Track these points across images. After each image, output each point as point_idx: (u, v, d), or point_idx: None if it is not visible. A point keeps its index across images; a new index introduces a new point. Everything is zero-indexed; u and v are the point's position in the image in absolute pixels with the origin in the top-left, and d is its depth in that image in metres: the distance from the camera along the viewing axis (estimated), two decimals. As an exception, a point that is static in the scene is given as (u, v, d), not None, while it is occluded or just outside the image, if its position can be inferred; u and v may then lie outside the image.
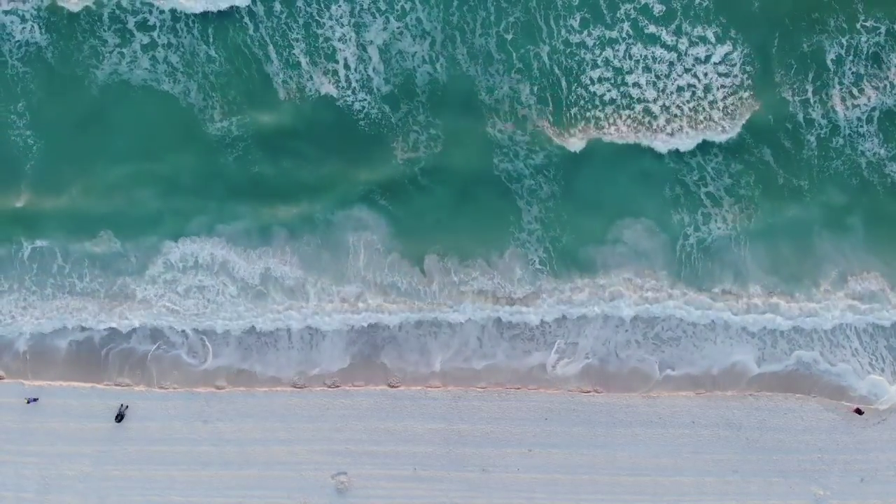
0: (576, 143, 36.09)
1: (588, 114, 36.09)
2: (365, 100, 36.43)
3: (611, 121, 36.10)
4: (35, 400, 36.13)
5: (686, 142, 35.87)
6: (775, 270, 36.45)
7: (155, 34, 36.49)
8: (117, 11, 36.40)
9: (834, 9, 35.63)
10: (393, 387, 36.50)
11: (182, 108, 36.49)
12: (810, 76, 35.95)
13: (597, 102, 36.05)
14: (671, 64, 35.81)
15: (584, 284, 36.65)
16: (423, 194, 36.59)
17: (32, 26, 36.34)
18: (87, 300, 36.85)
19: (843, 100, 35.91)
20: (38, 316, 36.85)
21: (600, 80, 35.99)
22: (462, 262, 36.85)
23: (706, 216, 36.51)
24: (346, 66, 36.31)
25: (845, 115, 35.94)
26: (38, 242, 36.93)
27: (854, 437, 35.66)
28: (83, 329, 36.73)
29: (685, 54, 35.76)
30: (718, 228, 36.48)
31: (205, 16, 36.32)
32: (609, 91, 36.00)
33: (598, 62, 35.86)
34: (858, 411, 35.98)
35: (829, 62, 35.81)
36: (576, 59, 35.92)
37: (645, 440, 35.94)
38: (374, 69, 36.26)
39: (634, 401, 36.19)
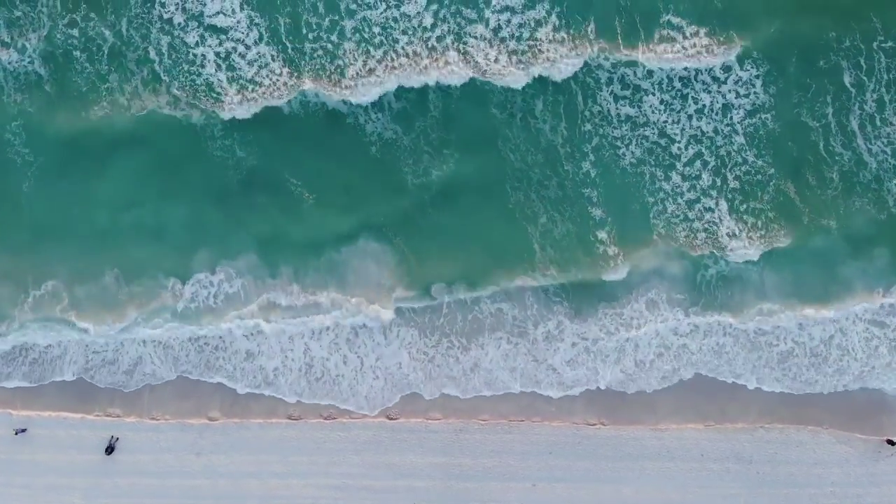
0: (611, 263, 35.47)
1: (602, 130, 35.11)
2: (377, 119, 35.29)
3: (626, 141, 35.12)
4: (23, 430, 35.32)
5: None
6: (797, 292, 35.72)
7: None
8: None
9: (851, 28, 34.51)
10: (392, 419, 35.65)
11: (183, 127, 35.30)
12: (829, 98, 34.95)
13: (612, 121, 35.00)
14: (688, 82, 34.76)
15: (605, 313, 35.74)
16: (432, 217, 35.61)
17: (32, 59, 35.22)
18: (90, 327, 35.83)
19: (863, 127, 34.95)
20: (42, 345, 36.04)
21: (615, 97, 34.93)
22: (472, 288, 35.73)
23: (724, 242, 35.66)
24: (358, 77, 35.04)
25: (867, 146, 35.04)
26: (45, 285, 35.81)
27: (867, 470, 35.03)
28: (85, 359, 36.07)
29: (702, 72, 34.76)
30: (736, 255, 35.54)
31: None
32: (625, 107, 34.98)
33: (615, 79, 34.78)
34: (891, 442, 35.21)
35: (847, 84, 34.80)
36: (592, 75, 34.82)
37: (652, 474, 35.18)
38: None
39: (642, 433, 35.42)
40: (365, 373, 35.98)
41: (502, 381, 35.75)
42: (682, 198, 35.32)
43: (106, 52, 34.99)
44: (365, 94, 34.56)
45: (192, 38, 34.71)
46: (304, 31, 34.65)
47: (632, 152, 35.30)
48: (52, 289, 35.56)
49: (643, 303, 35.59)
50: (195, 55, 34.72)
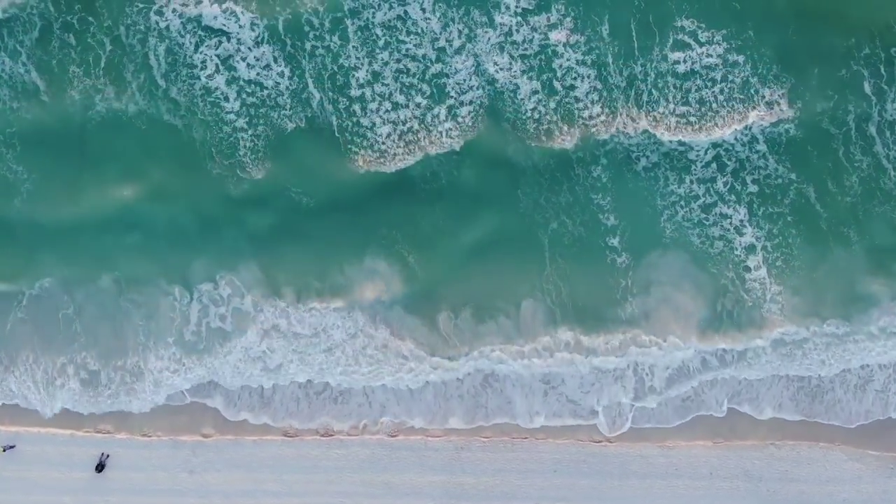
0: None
1: (616, 136, 34.37)
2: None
3: (641, 146, 34.32)
4: (12, 447, 34.61)
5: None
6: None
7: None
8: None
9: (872, 34, 33.58)
10: (391, 436, 34.92)
11: (183, 142, 34.43)
12: (850, 107, 34.04)
13: (630, 136, 34.30)
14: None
15: (619, 338, 34.91)
16: (439, 224, 34.73)
17: (27, 66, 34.30)
18: (89, 347, 35.19)
19: (882, 132, 34.05)
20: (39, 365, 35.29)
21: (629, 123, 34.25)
22: (478, 316, 34.92)
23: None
24: (361, 86, 34.13)
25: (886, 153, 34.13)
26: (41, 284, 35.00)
27: (879, 487, 34.38)
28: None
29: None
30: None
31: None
32: (641, 120, 34.25)
33: (631, 94, 34.08)
34: None
35: (868, 91, 33.92)
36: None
37: (660, 493, 34.51)
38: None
39: (649, 451, 34.72)
40: (375, 390, 35.24)
41: (515, 404, 35.05)
42: (696, 202, 34.47)
43: (104, 56, 34.09)
44: (391, 167, 34.29)
45: (190, 42, 34.01)
46: (306, 28, 33.83)
47: (647, 158, 34.36)
48: (49, 286, 34.84)
49: (659, 317, 34.76)
50: (195, 60, 34.00)
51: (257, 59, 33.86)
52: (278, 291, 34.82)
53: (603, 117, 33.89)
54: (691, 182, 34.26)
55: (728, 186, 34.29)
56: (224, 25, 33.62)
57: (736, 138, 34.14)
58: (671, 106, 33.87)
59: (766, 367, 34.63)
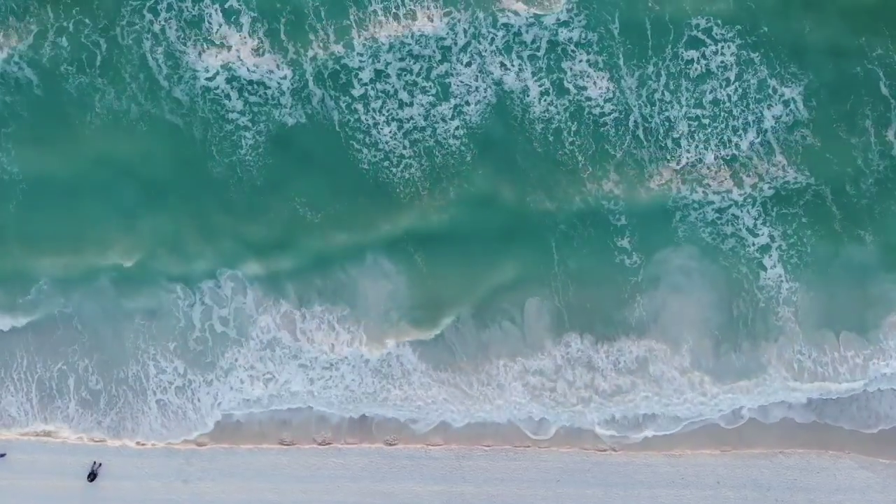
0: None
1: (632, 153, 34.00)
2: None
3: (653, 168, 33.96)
4: (2, 455, 34.17)
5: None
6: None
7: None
8: None
9: (884, 35, 33.14)
10: (390, 444, 34.35)
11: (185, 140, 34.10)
12: (867, 110, 33.51)
13: (642, 145, 33.82)
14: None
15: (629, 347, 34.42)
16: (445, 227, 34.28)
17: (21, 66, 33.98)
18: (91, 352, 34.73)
19: None
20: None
21: (641, 124, 33.61)
22: (483, 326, 34.44)
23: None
24: (368, 84, 33.71)
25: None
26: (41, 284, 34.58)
27: (889, 497, 33.77)
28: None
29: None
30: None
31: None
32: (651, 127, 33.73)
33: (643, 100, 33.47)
34: None
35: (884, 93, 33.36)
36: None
37: (666, 502, 33.89)
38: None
39: (655, 459, 34.14)
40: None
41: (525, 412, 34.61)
42: (711, 206, 33.94)
43: (100, 57, 33.80)
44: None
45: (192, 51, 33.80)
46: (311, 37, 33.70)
47: (660, 175, 34.00)
48: (48, 288, 34.46)
49: (671, 324, 34.24)
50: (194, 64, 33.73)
51: (257, 66, 33.65)
52: (280, 295, 34.36)
53: (614, 113, 33.31)
54: (705, 192, 33.85)
55: (744, 188, 33.85)
56: (225, 38, 33.56)
57: (752, 149, 33.66)
58: (684, 109, 33.34)
59: (781, 392, 34.16)
